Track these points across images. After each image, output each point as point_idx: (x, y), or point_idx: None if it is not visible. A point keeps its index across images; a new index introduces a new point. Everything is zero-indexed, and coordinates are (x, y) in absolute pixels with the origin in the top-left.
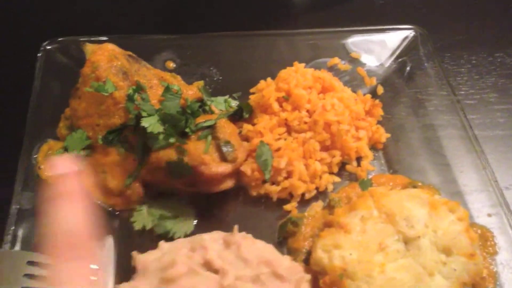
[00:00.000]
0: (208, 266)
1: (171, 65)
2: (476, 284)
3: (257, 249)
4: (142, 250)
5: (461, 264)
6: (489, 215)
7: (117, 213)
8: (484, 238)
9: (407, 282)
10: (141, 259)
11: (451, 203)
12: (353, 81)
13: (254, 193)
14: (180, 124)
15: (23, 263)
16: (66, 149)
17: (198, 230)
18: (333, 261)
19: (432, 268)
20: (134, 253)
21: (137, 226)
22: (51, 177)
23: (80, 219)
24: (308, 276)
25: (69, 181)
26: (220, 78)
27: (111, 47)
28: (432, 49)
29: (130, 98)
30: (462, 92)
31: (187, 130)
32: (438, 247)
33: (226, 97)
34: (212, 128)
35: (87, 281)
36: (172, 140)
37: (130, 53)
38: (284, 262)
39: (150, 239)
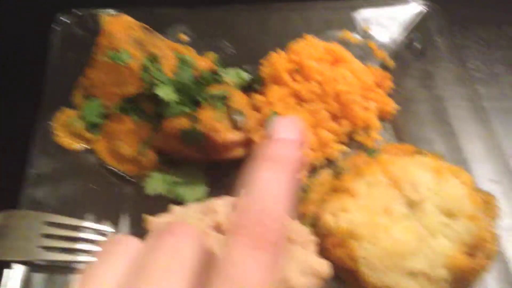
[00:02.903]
0: (219, 229)
1: (184, 38)
2: (478, 246)
3: None
4: (154, 214)
5: (463, 226)
6: (493, 181)
7: (129, 178)
8: (487, 203)
9: (410, 243)
10: (153, 221)
11: (455, 168)
12: (364, 54)
13: None
14: (193, 93)
15: (41, 223)
16: (82, 117)
17: (209, 196)
18: (339, 224)
19: (435, 230)
20: (147, 216)
21: (150, 191)
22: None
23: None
24: (314, 239)
25: (290, 147)
26: (233, 51)
27: (127, 18)
28: (443, 23)
29: (145, 68)
30: (471, 65)
31: (199, 98)
32: (441, 210)
33: (237, 69)
34: (224, 97)
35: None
36: (185, 108)
37: (145, 25)
38: (294, 226)
39: (161, 204)
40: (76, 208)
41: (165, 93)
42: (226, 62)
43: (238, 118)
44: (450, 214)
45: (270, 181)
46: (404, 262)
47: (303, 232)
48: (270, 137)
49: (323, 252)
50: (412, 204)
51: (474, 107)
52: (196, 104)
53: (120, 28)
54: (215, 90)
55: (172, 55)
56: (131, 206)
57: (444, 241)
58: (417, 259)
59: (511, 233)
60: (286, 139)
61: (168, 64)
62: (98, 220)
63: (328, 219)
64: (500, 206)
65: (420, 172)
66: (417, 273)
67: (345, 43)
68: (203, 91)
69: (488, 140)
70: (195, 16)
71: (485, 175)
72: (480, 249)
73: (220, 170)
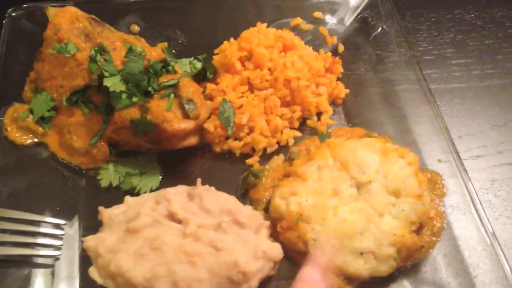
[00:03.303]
0: (172, 217)
1: (136, 28)
2: (424, 223)
3: (219, 200)
4: (109, 206)
5: (409, 205)
6: (440, 160)
7: (84, 171)
8: (434, 182)
9: (358, 223)
10: (107, 212)
11: (401, 149)
12: (315, 40)
13: (218, 149)
14: (142, 83)
15: None
16: (31, 111)
17: (164, 186)
18: (290, 207)
19: (382, 209)
20: (101, 208)
21: (104, 184)
22: None
23: None
24: (267, 223)
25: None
26: (186, 40)
27: (73, 9)
28: (392, 8)
29: (92, 59)
30: (421, 49)
31: (149, 89)
32: (388, 190)
33: (191, 58)
34: (174, 87)
35: None
36: (135, 99)
37: (94, 16)
38: (245, 211)
39: (117, 196)
40: (29, 202)
41: (113, 83)
42: (180, 51)
43: (188, 107)
44: (396, 193)
45: None
46: (352, 242)
47: (256, 217)
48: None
49: (276, 235)
50: (360, 185)
51: (422, 90)
52: (146, 94)
53: (65, 20)
54: (166, 80)
55: (122, 46)
56: (86, 198)
57: (391, 220)
58: (365, 239)
59: (458, 210)
60: (322, 267)
61: (118, 55)
62: (53, 214)
63: (279, 203)
64: (447, 184)
65: (367, 154)
66: (365, 252)
67: (298, 31)
68: (153, 82)
69: (436, 121)
70: (147, 6)
71: (433, 155)
72: (426, 227)
73: (173, 159)
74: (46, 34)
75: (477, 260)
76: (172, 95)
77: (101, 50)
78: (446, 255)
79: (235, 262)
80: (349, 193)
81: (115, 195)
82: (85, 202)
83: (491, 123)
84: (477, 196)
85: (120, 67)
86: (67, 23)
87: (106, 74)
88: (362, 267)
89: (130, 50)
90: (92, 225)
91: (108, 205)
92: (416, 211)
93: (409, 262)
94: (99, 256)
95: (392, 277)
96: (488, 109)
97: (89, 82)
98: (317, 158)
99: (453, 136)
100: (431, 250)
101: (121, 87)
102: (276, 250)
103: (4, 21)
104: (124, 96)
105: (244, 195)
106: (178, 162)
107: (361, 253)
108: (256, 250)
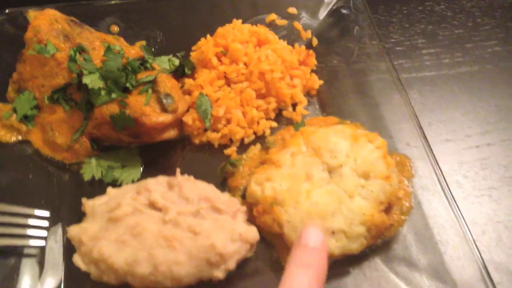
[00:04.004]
0: (153, 206)
1: (115, 29)
2: (392, 203)
3: (198, 188)
4: (92, 198)
5: (378, 186)
6: (409, 144)
7: (67, 166)
8: (403, 165)
9: (330, 204)
10: (89, 203)
11: (370, 134)
12: (291, 35)
13: (197, 141)
14: (121, 80)
15: None
16: (15, 111)
17: (145, 178)
18: (265, 192)
19: (352, 191)
20: (84, 199)
21: (87, 177)
22: None
23: None
24: (243, 208)
25: (319, 256)
26: (164, 39)
27: (52, 12)
28: (363, 2)
29: (71, 58)
30: (393, 40)
31: (128, 85)
32: (358, 173)
33: (170, 56)
34: (152, 82)
35: None
36: (114, 95)
37: (73, 18)
38: (223, 197)
39: (100, 189)
40: (14, 196)
41: (92, 80)
42: (158, 50)
43: (166, 101)
44: (366, 176)
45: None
46: (324, 222)
47: (233, 203)
48: (300, 244)
49: (252, 220)
50: (331, 170)
51: (392, 79)
52: (125, 90)
53: (44, 22)
54: (143, 76)
55: (101, 46)
56: (69, 192)
57: (361, 201)
58: (336, 219)
59: (427, 191)
60: (317, 249)
61: (97, 54)
62: (38, 207)
63: (255, 189)
64: (417, 167)
65: (338, 140)
66: (337, 231)
67: (273, 26)
68: (132, 78)
69: (405, 108)
70: (126, 7)
71: (403, 140)
72: (395, 206)
73: (153, 151)
74: (27, 36)
75: (446, 237)
76: (150, 90)
77: (80, 49)
78: (416, 233)
79: (212, 245)
80: (321, 177)
81: (97, 188)
82: (69, 195)
83: (460, 109)
84: (446, 177)
85: (99, 66)
86: (46, 25)
87: (85, 72)
88: (334, 246)
89: (108, 49)
90: (75, 217)
91: (91, 197)
92: (385, 192)
93: (380, 240)
94: (82, 244)
95: (364, 255)
96: (458, 96)
97: (69, 81)
98: (291, 145)
99: (423, 122)
100: (400, 228)
101: (100, 83)
102: (252, 233)
103: None
104: (103, 92)
105: (223, 184)
106: (159, 155)
107: (333, 233)
108: (233, 233)
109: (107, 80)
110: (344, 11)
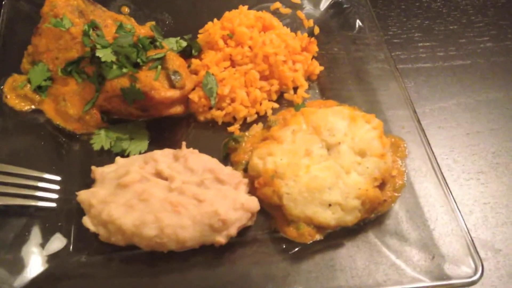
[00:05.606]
0: (159, 175)
1: (126, 10)
2: (386, 180)
3: (202, 161)
4: (101, 166)
5: (373, 163)
6: (403, 127)
7: (78, 136)
8: (397, 146)
9: (328, 179)
10: (99, 171)
11: (367, 115)
12: (293, 23)
13: (202, 118)
14: (132, 55)
15: None
16: (29, 81)
17: (152, 150)
18: (266, 165)
19: (349, 167)
20: (93, 167)
21: (96, 147)
22: None
23: None
24: (245, 180)
25: None
26: (172, 22)
27: None
28: None
29: (85, 33)
30: (391, 33)
31: (138, 61)
32: (354, 151)
33: (177, 38)
34: (162, 60)
35: None
36: (125, 69)
37: None
38: (226, 170)
39: (108, 158)
40: (27, 161)
41: (105, 54)
42: (166, 32)
43: (174, 77)
44: (362, 153)
45: None
46: (322, 195)
47: (235, 175)
48: None
49: (253, 191)
50: (329, 147)
51: (390, 68)
52: (135, 66)
53: None
54: (153, 53)
55: (113, 24)
56: (80, 161)
57: (357, 177)
58: (333, 192)
59: (419, 172)
60: None
61: (109, 32)
62: (49, 171)
63: (257, 162)
64: (410, 149)
65: (337, 120)
66: (333, 204)
67: (277, 14)
68: (142, 54)
69: (401, 94)
70: None
71: (398, 123)
72: (389, 183)
73: (160, 126)
74: (43, 10)
75: (436, 215)
76: (159, 67)
77: (94, 25)
78: (408, 211)
79: (215, 212)
80: (320, 154)
81: (106, 158)
82: (79, 163)
83: (453, 99)
84: (437, 160)
85: (111, 42)
86: (63, 0)
87: (98, 46)
88: (330, 217)
89: (120, 27)
90: (84, 184)
91: (100, 166)
92: (379, 169)
93: (373, 214)
94: (92, 207)
95: (358, 227)
96: (451, 86)
97: (83, 54)
98: (292, 123)
99: (418, 110)
100: (393, 205)
101: (112, 58)
102: (253, 203)
103: (3, 2)
104: (115, 67)
105: (226, 159)
106: (165, 130)
107: (330, 205)
108: (235, 203)
109: (118, 55)
110: (344, 2)
